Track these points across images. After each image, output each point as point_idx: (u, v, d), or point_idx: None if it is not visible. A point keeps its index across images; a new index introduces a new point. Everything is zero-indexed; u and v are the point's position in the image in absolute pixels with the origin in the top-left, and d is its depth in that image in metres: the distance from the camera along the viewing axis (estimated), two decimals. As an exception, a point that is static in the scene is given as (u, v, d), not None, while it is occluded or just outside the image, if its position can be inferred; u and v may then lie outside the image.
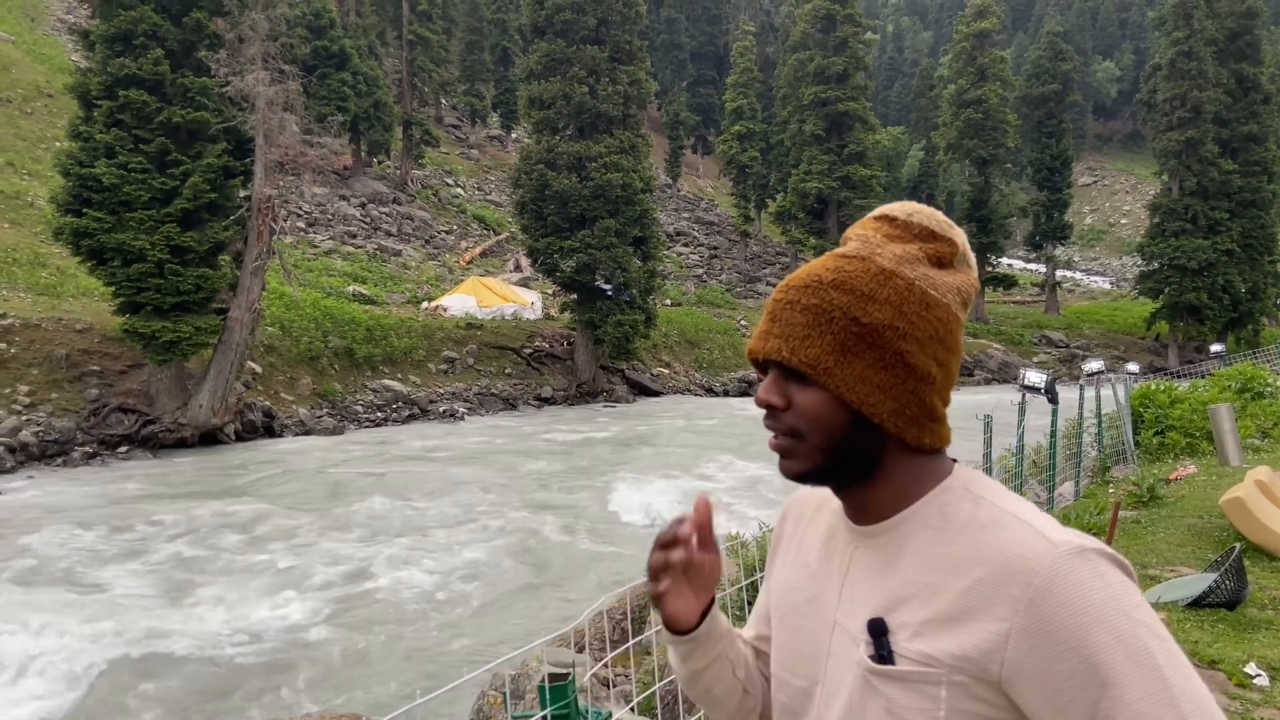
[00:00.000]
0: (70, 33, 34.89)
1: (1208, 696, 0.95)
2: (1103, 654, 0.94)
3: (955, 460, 1.19)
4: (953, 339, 1.14)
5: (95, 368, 21.55)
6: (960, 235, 1.18)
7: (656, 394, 34.43)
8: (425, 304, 34.66)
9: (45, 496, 16.23)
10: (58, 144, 29.35)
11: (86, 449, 19.93)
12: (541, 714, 1.46)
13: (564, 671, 1.51)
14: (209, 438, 21.60)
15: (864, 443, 1.12)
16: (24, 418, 19.61)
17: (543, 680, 1.44)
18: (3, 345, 20.61)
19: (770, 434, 1.16)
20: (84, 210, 20.31)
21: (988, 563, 1.03)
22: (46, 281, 24.70)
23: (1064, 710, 0.97)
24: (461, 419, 27.28)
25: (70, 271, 24.48)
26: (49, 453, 19.38)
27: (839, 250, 1.17)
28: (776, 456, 1.16)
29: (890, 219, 1.18)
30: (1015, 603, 0.99)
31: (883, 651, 1.07)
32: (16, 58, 40.19)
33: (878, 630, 1.08)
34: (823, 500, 1.29)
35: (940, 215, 1.18)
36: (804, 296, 1.12)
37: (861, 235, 1.18)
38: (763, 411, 1.17)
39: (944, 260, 1.15)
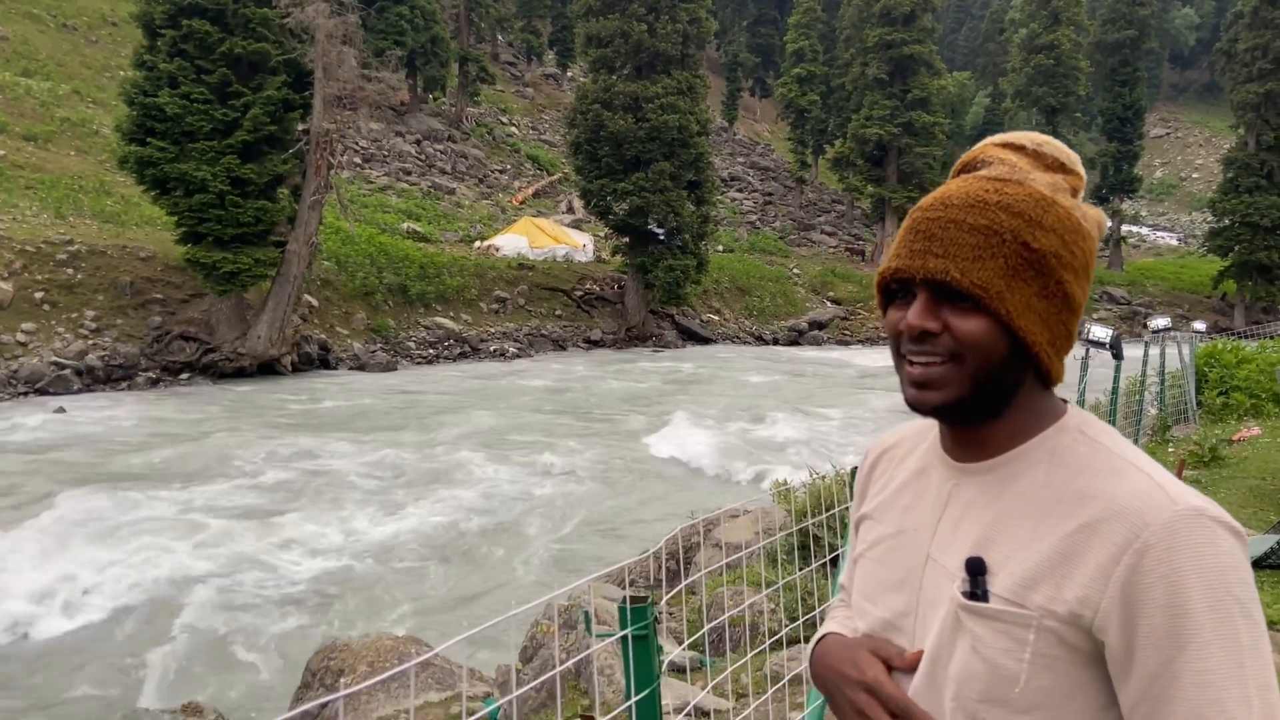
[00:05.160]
0: (134, -38, 35.30)
1: (1274, 688, 0.95)
2: (1192, 620, 0.94)
3: (1067, 401, 1.16)
4: (1093, 271, 1.12)
5: (158, 296, 22.07)
6: (1083, 168, 1.15)
7: (706, 340, 34.37)
8: (478, 243, 34.81)
9: (109, 418, 16.76)
10: (122, 73, 29.75)
11: (150, 374, 20.51)
12: (621, 633, 1.48)
13: (644, 595, 1.52)
14: (267, 368, 22.08)
15: (1011, 373, 1.08)
16: (90, 342, 20.21)
17: (623, 601, 1.46)
18: (70, 271, 21.17)
19: (910, 361, 1.09)
20: (148, 139, 20.63)
21: (1099, 508, 1.01)
22: (112, 209, 25.22)
23: (1139, 660, 0.97)
24: (512, 358, 27.53)
25: (134, 200, 24.96)
26: (114, 377, 19.98)
27: (985, 172, 1.12)
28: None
29: (1020, 147, 1.14)
30: (1120, 552, 0.98)
31: (977, 590, 1.06)
32: (82, -14, 40.60)
33: (975, 569, 1.07)
34: (914, 442, 1.27)
35: (1066, 147, 1.15)
36: (970, 216, 1.06)
37: (1002, 159, 1.13)
38: (896, 339, 1.11)
39: (1076, 193, 1.13)
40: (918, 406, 1.11)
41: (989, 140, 1.17)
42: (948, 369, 1.07)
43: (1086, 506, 1.02)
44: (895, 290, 1.12)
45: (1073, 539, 1.02)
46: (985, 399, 1.09)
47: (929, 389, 1.08)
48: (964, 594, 1.07)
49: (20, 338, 19.47)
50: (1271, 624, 5.12)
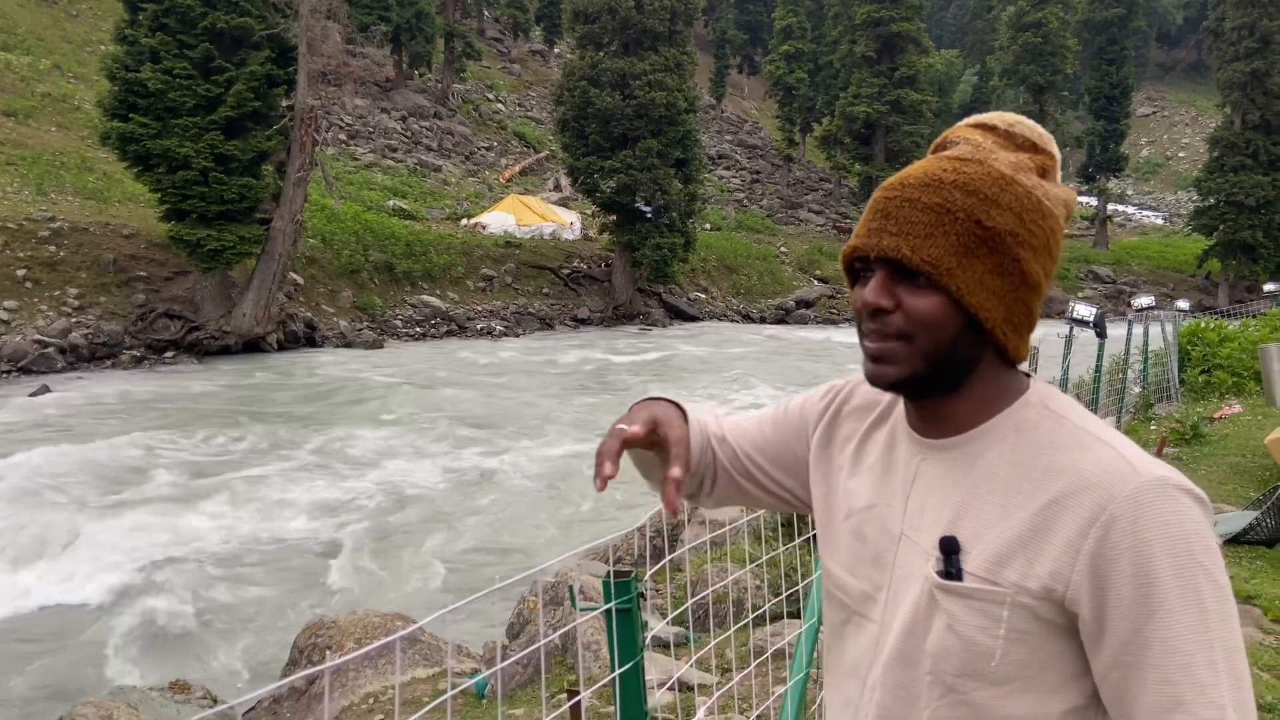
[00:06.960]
0: (113, -66, 34.71)
1: (1240, 649, 0.99)
2: (1160, 587, 0.97)
3: (1030, 375, 1.18)
4: (1057, 250, 1.13)
5: (142, 273, 21.89)
6: (1056, 148, 1.17)
7: (694, 319, 34.37)
8: (464, 221, 34.62)
9: (95, 397, 16.67)
10: (103, 47, 29.33)
11: (134, 352, 20.38)
12: (605, 607, 1.50)
13: (628, 569, 1.54)
14: (252, 346, 21.97)
15: (966, 350, 1.10)
16: (73, 320, 20.06)
17: (607, 576, 1.47)
18: (52, 248, 20.97)
19: (867, 338, 1.12)
20: (130, 115, 20.38)
21: (1066, 482, 1.03)
22: (94, 186, 24.94)
23: (1109, 630, 1.00)
24: (499, 337, 27.49)
25: (117, 177, 24.68)
26: (98, 355, 19.85)
27: (949, 153, 1.14)
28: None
29: (992, 128, 1.16)
30: (1088, 525, 1.00)
31: (951, 569, 1.08)
32: (61, -41, 39.94)
33: (949, 548, 1.09)
34: (885, 408, 1.27)
35: (1039, 127, 1.17)
36: (924, 194, 1.08)
37: (968, 139, 1.15)
38: (859, 318, 1.13)
39: (1046, 172, 1.14)
40: (875, 381, 1.14)
41: (964, 121, 1.19)
42: (901, 345, 1.09)
43: (1053, 481, 1.04)
44: (859, 269, 1.14)
45: (1042, 515, 1.04)
46: (940, 375, 1.11)
47: (884, 364, 1.11)
48: (939, 573, 1.09)
49: (2, 315, 19.30)
50: (1250, 599, 5.20)
